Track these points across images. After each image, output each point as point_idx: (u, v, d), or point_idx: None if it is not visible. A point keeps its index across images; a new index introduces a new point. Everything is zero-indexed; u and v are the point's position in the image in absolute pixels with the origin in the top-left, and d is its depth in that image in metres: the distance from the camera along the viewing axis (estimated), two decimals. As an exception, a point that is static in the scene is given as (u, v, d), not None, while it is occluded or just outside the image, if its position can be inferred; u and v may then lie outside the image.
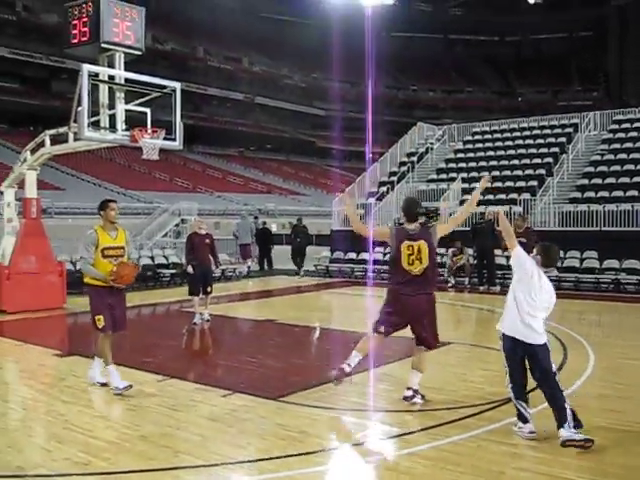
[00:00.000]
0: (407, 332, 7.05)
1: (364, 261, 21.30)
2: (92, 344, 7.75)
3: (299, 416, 6.42)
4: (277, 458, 5.27)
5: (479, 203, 21.01)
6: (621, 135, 23.44)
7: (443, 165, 25.52)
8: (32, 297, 13.67)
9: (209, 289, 12.43)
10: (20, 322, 12.76)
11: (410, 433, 5.83)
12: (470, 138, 27.56)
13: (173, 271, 19.02)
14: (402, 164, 26.38)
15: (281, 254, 24.21)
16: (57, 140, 13.66)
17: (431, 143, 27.61)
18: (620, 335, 11.57)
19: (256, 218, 26.71)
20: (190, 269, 12.28)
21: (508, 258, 18.27)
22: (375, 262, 20.87)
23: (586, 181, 21.07)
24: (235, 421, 6.30)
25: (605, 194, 19.70)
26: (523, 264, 5.70)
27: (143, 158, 12.40)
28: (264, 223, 24.85)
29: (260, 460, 5.27)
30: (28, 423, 6.45)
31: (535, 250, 5.78)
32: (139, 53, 12.61)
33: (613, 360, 8.85)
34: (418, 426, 6.01)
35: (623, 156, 21.74)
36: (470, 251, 18.23)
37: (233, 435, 5.90)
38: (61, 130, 13.02)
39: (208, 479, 4.97)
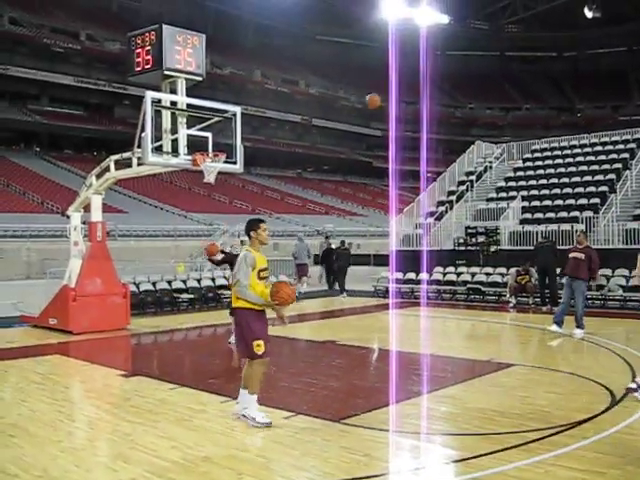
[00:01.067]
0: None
1: (424, 281, 21.16)
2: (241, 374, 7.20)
3: (363, 439, 6.38)
4: (341, 481, 5.26)
5: (539, 222, 20.80)
6: (687, 149, 22.85)
7: (502, 184, 25.23)
8: (97, 318, 13.99)
9: None
10: (86, 343, 13.06)
11: (474, 457, 5.74)
12: (529, 156, 27.20)
13: (192, 296, 18.49)
14: (461, 183, 26.19)
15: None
16: (121, 165, 14.03)
17: (490, 162, 27.35)
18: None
19: (327, 238, 26.99)
20: None
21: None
22: (434, 282, 20.73)
23: (651, 197, 20.58)
24: (298, 443, 6.30)
25: (672, 211, 19.20)
26: None
27: (204, 182, 12.61)
28: (329, 244, 25.16)
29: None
30: (94, 442, 6.58)
31: None
32: (200, 79, 12.88)
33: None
34: (482, 450, 5.90)
35: (690, 171, 21.17)
36: (533, 271, 17.93)
37: (297, 457, 5.90)
38: (125, 155, 13.35)
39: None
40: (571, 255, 13.23)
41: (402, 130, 71.77)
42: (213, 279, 19.76)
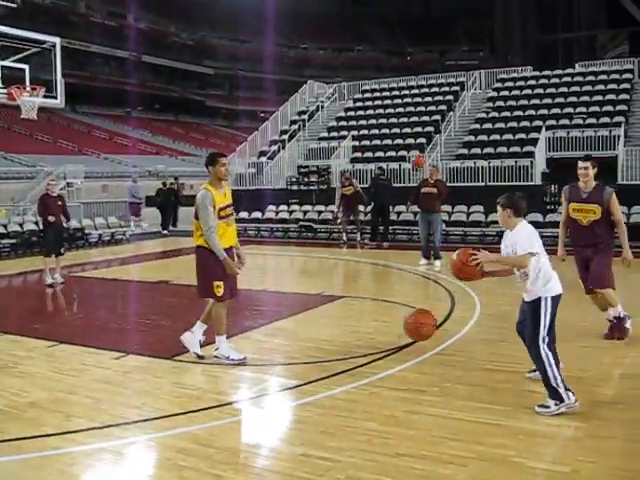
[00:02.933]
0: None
1: (257, 220, 21.35)
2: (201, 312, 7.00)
3: (195, 374, 6.44)
4: (174, 415, 5.26)
5: (369, 161, 21.41)
6: (505, 93, 24.26)
7: (334, 123, 25.66)
8: None
9: (62, 251, 12.58)
10: None
11: (305, 384, 5.94)
12: (360, 96, 27.79)
13: (14, 241, 17.55)
14: (293, 122, 26.37)
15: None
16: None
17: (322, 101, 27.69)
18: (504, 284, 12.04)
19: (176, 179, 26.92)
20: (51, 219, 12.25)
21: (398, 214, 18.77)
22: (267, 221, 20.95)
23: (472, 138, 21.71)
24: (129, 382, 6.24)
25: (490, 150, 20.38)
26: (533, 243, 5.17)
27: (23, 118, 11.91)
28: (171, 184, 25.12)
29: (157, 418, 5.23)
30: None
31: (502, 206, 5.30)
32: (13, 5, 12.06)
33: (498, 307, 9.25)
34: (313, 377, 6.12)
35: (507, 114, 22.51)
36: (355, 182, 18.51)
37: (128, 396, 5.83)
38: None
39: (105, 441, 4.86)
40: (424, 190, 13.74)
41: (236, 69, 71.06)
42: (37, 222, 18.71)
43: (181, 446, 4.67)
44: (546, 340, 5.11)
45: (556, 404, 5.06)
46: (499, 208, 5.30)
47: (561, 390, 5.04)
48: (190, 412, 5.34)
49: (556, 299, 5.22)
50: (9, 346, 7.73)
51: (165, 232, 22.92)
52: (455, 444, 4.57)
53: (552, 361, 5.07)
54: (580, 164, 7.23)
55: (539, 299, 5.17)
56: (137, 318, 9.55)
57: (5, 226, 18.15)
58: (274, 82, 67.92)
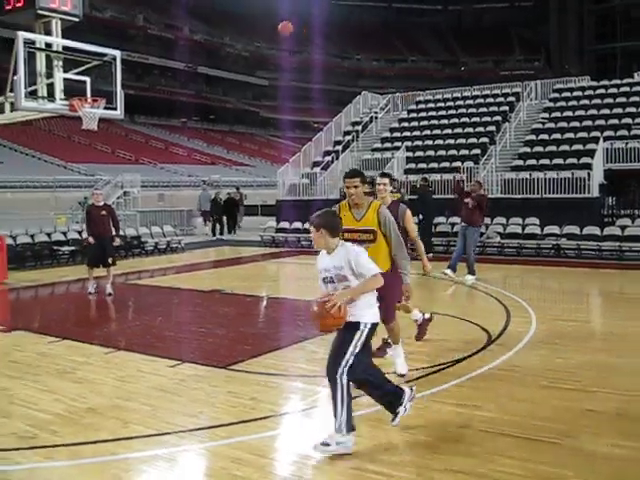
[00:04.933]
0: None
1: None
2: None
3: (250, 383, 6.46)
4: (229, 425, 5.30)
5: (423, 172, 21.30)
6: (562, 104, 23.89)
7: (387, 134, 25.62)
8: (-29, 273, 13.35)
9: (110, 261, 12.39)
10: (-40, 298, 12.48)
11: (358, 396, 5.90)
12: (414, 107, 27.70)
13: (73, 248, 17.88)
14: (347, 133, 26.41)
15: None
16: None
17: (375, 112, 27.68)
18: (560, 298, 11.94)
19: (238, 188, 29.03)
20: (91, 239, 12.24)
21: (453, 225, 18.63)
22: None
23: (528, 149, 21.42)
24: (185, 390, 6.31)
25: (546, 162, 20.07)
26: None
27: (83, 129, 12.12)
28: (229, 194, 26.86)
29: (212, 427, 5.29)
30: (-29, 399, 6.34)
31: None
32: (76, 20, 12.24)
33: (554, 322, 9.09)
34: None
35: (563, 124, 22.16)
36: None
37: (183, 404, 5.90)
38: (-3, 100, 12.60)
39: (160, 448, 4.93)
40: (465, 200, 13.60)
41: (289, 80, 71.76)
42: (79, 232, 19.13)
43: (235, 455, 4.71)
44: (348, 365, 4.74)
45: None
46: (313, 229, 4.86)
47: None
48: (245, 422, 5.38)
49: (375, 327, 4.87)
50: (68, 351, 7.91)
51: (221, 237, 24.39)
52: (510, 462, 4.50)
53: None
54: (379, 180, 7.43)
55: (358, 323, 4.79)
56: (191, 327, 9.66)
57: (65, 234, 18.60)
58: (328, 93, 68.30)
